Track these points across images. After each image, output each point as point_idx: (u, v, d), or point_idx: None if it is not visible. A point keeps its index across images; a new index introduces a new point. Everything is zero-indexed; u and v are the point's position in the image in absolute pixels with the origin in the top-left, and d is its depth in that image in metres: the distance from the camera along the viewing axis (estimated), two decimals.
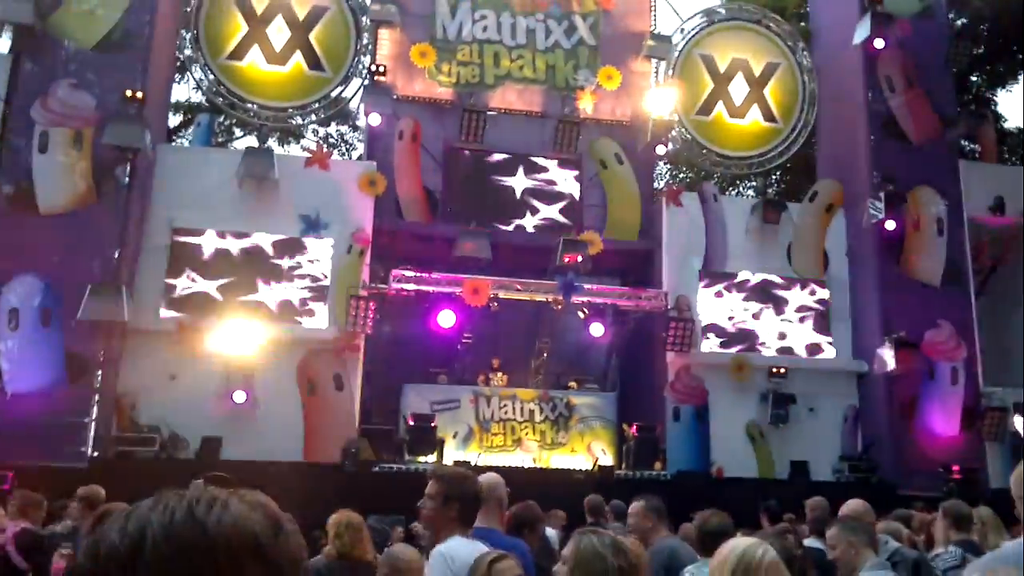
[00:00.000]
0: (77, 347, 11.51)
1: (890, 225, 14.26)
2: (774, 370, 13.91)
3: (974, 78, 21.16)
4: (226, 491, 0.97)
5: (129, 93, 12.30)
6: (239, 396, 12.09)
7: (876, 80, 15.41)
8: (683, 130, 16.30)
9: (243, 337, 12.36)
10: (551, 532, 6.87)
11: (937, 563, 4.92)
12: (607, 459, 13.46)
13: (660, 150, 15.86)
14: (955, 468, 12.49)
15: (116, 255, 11.98)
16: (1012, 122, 22.20)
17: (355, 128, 24.04)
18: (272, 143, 21.44)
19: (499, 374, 14.23)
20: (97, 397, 11.50)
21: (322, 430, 12.47)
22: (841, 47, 16.02)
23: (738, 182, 23.18)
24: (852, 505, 5.29)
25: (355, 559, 4.81)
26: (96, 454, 11.15)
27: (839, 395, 14.40)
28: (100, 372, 11.62)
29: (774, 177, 21.78)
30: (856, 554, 4.07)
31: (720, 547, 2.78)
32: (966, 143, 18.00)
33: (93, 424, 11.33)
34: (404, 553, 3.95)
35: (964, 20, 18.51)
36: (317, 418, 12.62)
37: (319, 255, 13.52)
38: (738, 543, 2.76)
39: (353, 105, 16.83)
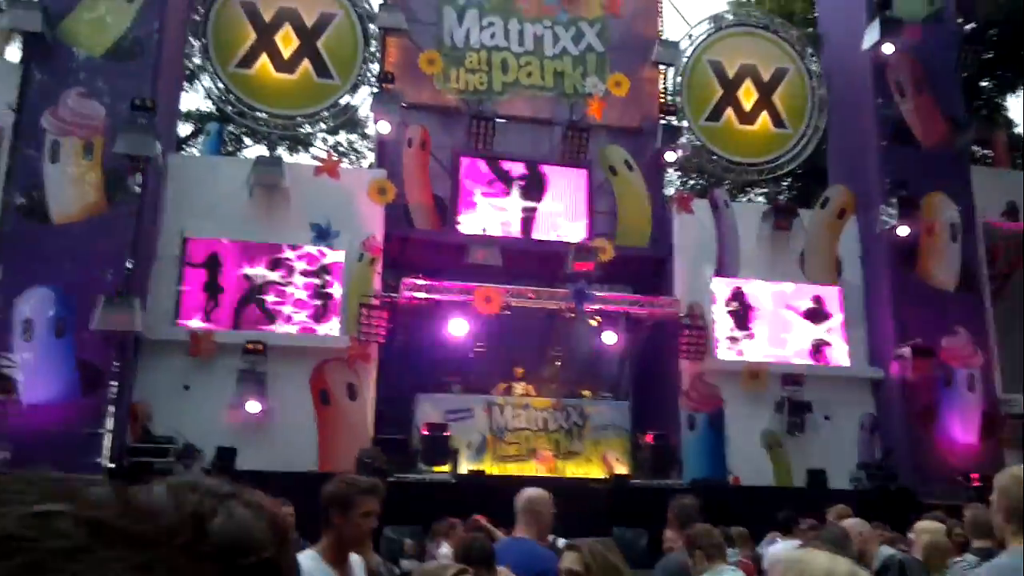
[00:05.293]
0: (91, 357, 11.44)
1: (903, 231, 14.20)
2: (789, 378, 13.81)
3: (984, 83, 21.16)
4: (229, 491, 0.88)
5: (139, 101, 12.25)
6: (253, 406, 12.02)
7: (885, 85, 15.38)
8: (692, 136, 16.25)
9: (257, 347, 12.28)
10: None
11: (954, 570, 5.04)
12: (622, 468, 13.36)
13: (670, 156, 15.83)
14: (974, 476, 12.40)
15: (129, 265, 11.90)
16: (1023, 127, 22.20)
17: (364, 136, 24.03)
18: (282, 151, 21.47)
19: (521, 383, 14.13)
20: (112, 408, 11.41)
21: (336, 440, 12.41)
22: (850, 52, 16.00)
23: (749, 188, 23.12)
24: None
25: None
26: (113, 465, 11.05)
27: (855, 403, 14.31)
28: (115, 382, 11.53)
29: (785, 183, 21.75)
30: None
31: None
32: (977, 148, 17.97)
33: (108, 435, 11.24)
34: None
35: (973, 25, 18.47)
36: (331, 428, 12.55)
37: (331, 263, 13.44)
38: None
39: (362, 113, 16.77)
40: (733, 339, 14.48)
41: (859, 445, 14.07)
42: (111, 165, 12.26)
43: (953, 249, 14.65)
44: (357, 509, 3.14)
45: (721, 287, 14.61)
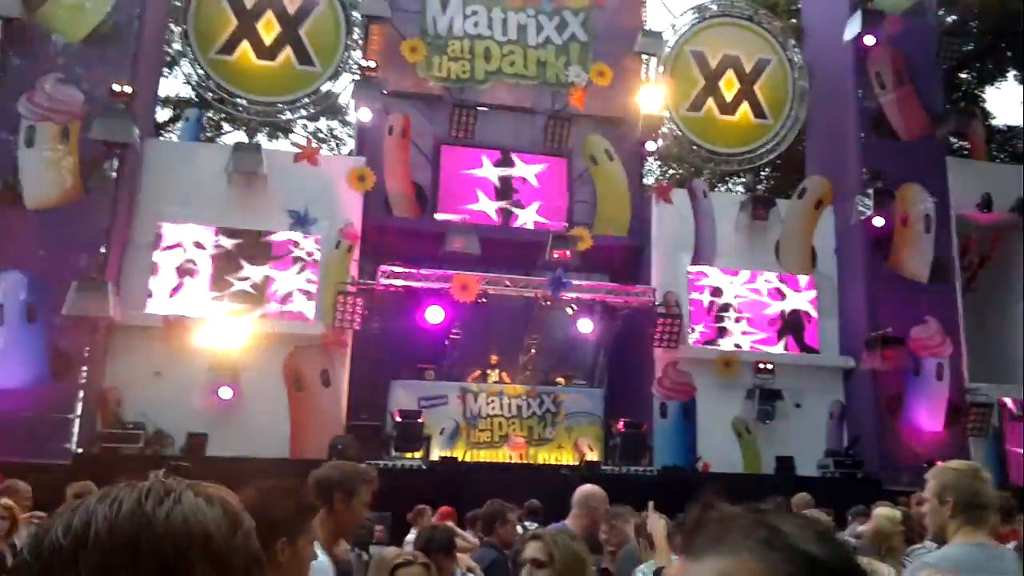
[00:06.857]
0: (62, 342, 11.50)
1: (878, 222, 14.27)
2: (761, 366, 13.92)
3: (964, 75, 21.19)
4: (183, 483, 0.93)
5: (117, 87, 12.29)
6: (225, 392, 12.09)
7: (866, 77, 15.40)
8: (673, 126, 16.28)
9: (229, 333, 12.35)
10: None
11: (915, 556, 5.13)
12: (593, 455, 13.47)
13: (650, 146, 15.87)
14: (939, 464, 12.48)
15: (103, 250, 11.95)
16: (1001, 119, 22.23)
17: (345, 123, 24.01)
18: (261, 138, 21.44)
19: (496, 370, 14.21)
20: (82, 393, 11.47)
21: (309, 426, 12.48)
22: (832, 44, 16.01)
23: (728, 178, 23.17)
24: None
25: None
26: (81, 450, 11.12)
27: (825, 391, 14.42)
28: (85, 368, 11.59)
29: (763, 173, 21.80)
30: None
31: None
32: (955, 140, 18.01)
33: (78, 420, 11.31)
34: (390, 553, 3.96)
35: (954, 17, 18.47)
36: (304, 414, 12.62)
37: (307, 250, 13.50)
38: None
39: (343, 100, 16.79)
40: (707, 327, 14.57)
41: (828, 433, 14.20)
42: (87, 151, 12.29)
43: (926, 240, 14.72)
44: (361, 497, 3.08)
45: (698, 276, 14.68)
